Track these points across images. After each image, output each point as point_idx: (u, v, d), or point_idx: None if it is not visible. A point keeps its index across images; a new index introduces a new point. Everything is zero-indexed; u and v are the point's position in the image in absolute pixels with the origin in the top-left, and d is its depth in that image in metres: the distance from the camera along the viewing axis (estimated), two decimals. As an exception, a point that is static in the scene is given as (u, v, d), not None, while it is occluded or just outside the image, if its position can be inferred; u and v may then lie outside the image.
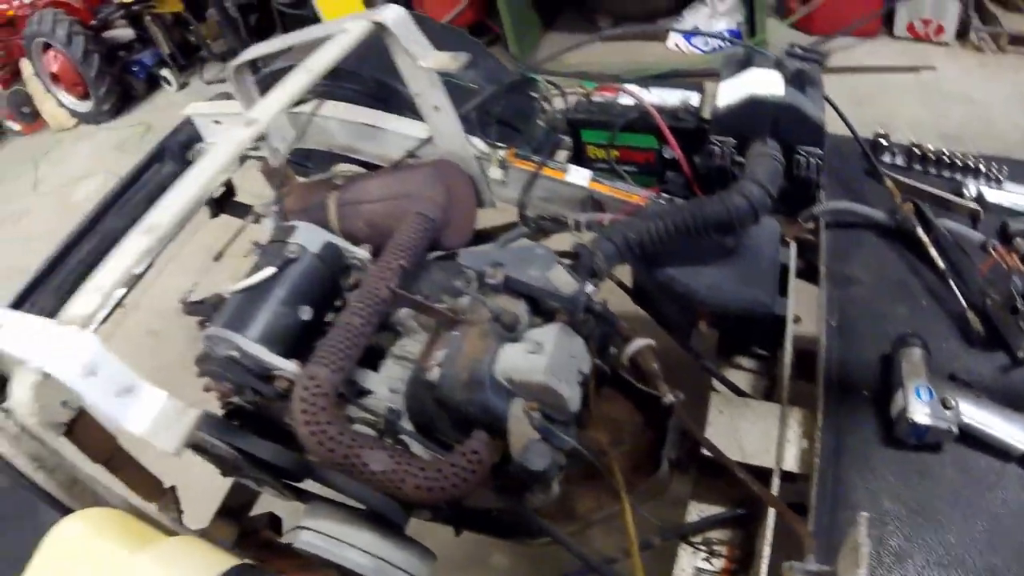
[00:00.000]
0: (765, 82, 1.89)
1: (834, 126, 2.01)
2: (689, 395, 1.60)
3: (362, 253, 1.80)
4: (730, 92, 1.93)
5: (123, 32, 7.19)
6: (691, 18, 5.36)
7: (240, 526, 2.00)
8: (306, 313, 1.68)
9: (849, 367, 1.70)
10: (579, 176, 2.08)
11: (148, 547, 1.21)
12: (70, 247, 2.46)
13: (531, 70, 2.45)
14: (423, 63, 1.82)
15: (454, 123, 2.01)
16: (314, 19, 5.72)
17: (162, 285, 2.54)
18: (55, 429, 1.41)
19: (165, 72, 7.23)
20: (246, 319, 1.63)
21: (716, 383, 1.88)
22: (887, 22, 4.98)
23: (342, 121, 2.29)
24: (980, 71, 4.53)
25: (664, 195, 2.02)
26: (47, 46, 6.83)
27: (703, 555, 1.63)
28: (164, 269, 2.32)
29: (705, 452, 1.55)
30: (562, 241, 1.97)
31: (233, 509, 2.07)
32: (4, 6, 7.11)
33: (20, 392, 1.23)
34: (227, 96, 2.96)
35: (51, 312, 2.09)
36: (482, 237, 2.14)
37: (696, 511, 1.70)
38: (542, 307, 1.53)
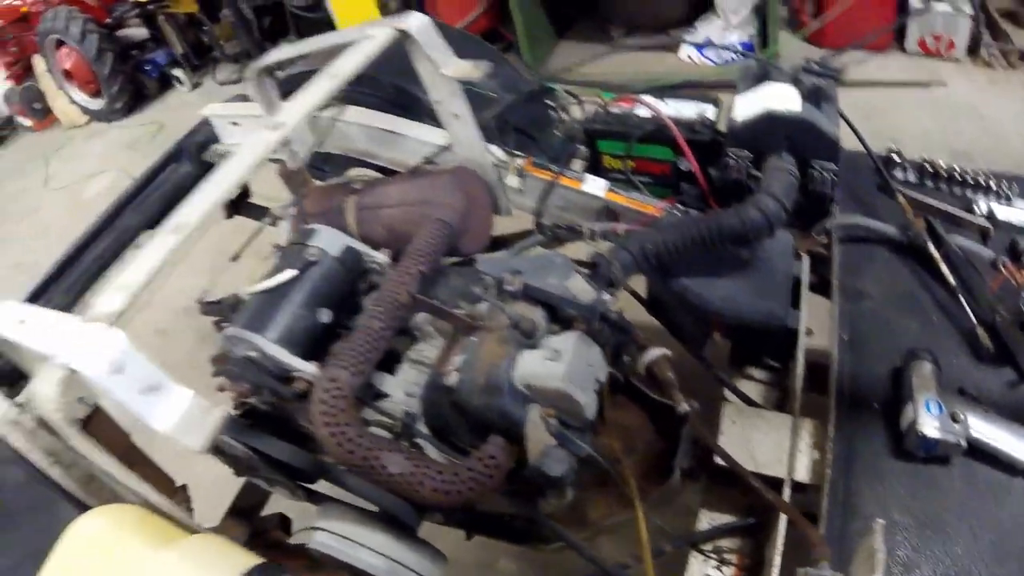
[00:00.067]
0: (782, 97, 1.90)
1: (847, 141, 2.02)
2: (701, 405, 1.62)
3: (381, 257, 1.82)
4: (747, 106, 1.95)
5: (137, 31, 7.23)
6: (704, 30, 5.38)
7: (251, 526, 2.01)
8: (325, 316, 1.70)
9: (860, 380, 1.72)
10: (595, 186, 2.10)
11: (172, 544, 1.21)
12: (86, 244, 2.46)
13: (548, 79, 2.47)
14: (446, 71, 1.83)
15: (473, 131, 2.03)
16: (328, 22, 5.75)
17: (171, 285, 2.56)
18: (74, 425, 1.42)
19: (178, 72, 7.26)
20: (266, 320, 1.64)
21: (728, 393, 1.90)
22: (899, 37, 5.01)
23: (362, 126, 2.31)
24: (990, 87, 4.55)
25: (679, 206, 2.03)
26: (60, 43, 6.86)
27: (713, 563, 1.64)
28: (174, 269, 2.34)
29: (718, 461, 1.56)
30: (575, 250, 1.99)
31: (244, 509, 2.08)
32: (18, 2, 7.14)
33: (46, 388, 1.22)
34: (244, 98, 2.98)
35: (66, 309, 2.11)
36: (497, 244, 2.16)
37: (707, 519, 1.71)
38: (559, 315, 1.55)
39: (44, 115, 7.58)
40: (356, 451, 1.36)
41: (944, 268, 1.88)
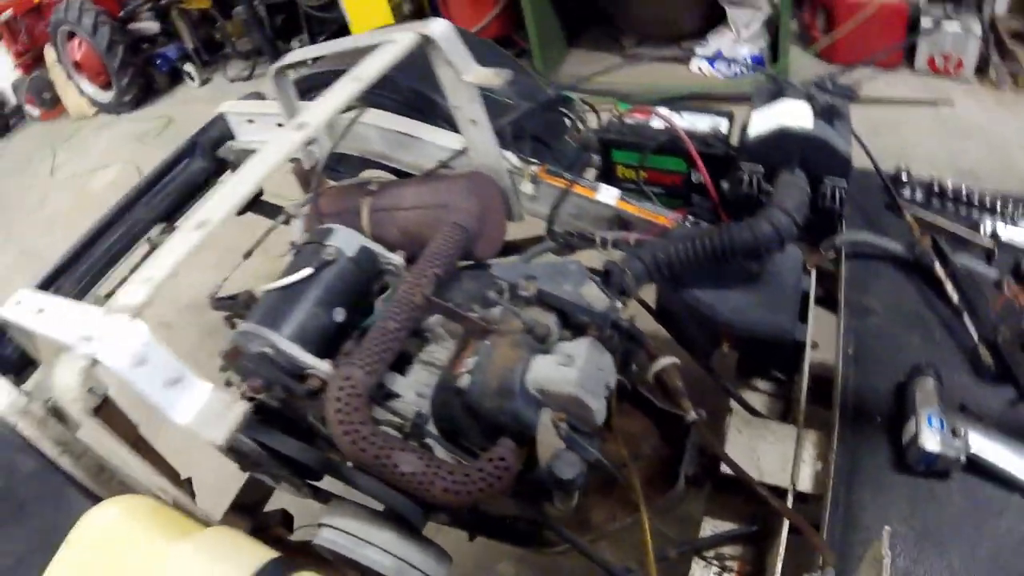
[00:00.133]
0: (795, 114, 1.92)
1: (857, 159, 2.04)
2: (707, 414, 1.64)
3: (397, 259, 1.84)
4: (761, 122, 1.97)
5: (149, 25, 7.26)
6: (715, 42, 5.41)
7: (254, 521, 2.02)
8: (340, 315, 1.72)
9: (864, 393, 1.74)
10: (608, 195, 2.11)
11: (187, 537, 1.22)
12: (97, 235, 2.47)
13: (563, 88, 2.49)
14: (466, 77, 1.85)
15: (490, 137, 2.04)
16: (341, 22, 5.78)
17: (178, 279, 2.56)
18: (92, 415, 1.43)
19: (188, 67, 7.30)
20: (280, 317, 1.66)
21: (733, 403, 1.92)
22: (908, 55, 5.02)
23: (379, 128, 2.33)
24: (998, 108, 4.56)
25: (691, 218, 2.05)
26: (72, 34, 6.89)
27: (715, 569, 1.66)
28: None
29: (723, 469, 1.58)
30: (586, 258, 2.00)
31: (247, 505, 2.08)
32: (31, -8, 7.19)
33: (67, 377, 1.21)
34: (258, 96, 3.00)
35: (76, 299, 2.11)
36: (508, 249, 2.17)
37: (710, 527, 1.74)
38: (572, 321, 1.57)
39: (52, 105, 7.62)
40: (369, 449, 1.37)
41: (949, 287, 1.89)
